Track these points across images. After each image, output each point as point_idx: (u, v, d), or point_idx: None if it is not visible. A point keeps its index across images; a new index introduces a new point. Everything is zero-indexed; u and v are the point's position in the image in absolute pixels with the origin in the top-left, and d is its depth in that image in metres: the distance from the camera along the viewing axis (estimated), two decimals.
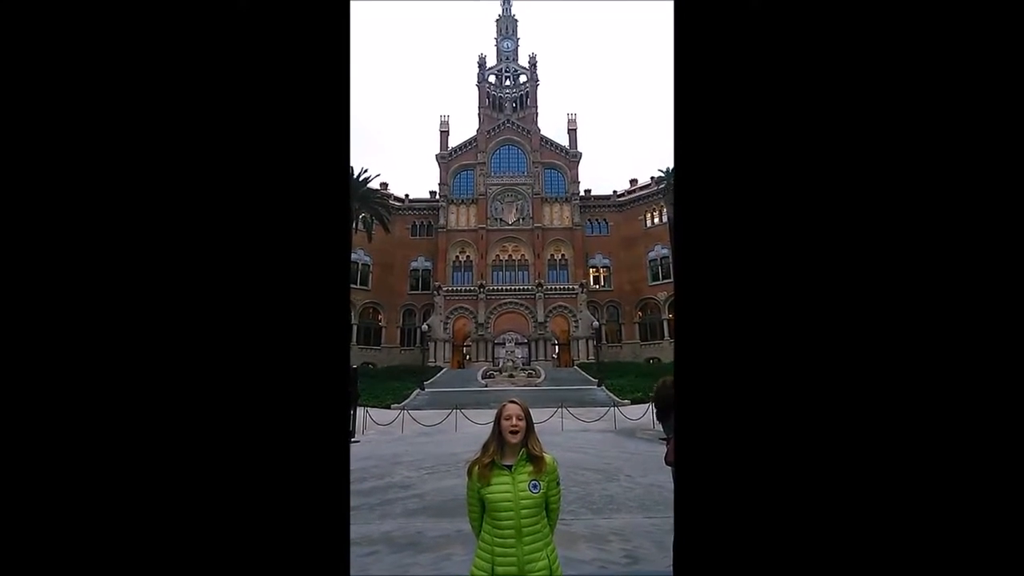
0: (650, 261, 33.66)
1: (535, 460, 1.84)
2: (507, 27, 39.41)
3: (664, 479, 6.08)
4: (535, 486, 1.82)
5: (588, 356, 30.44)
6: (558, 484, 1.93)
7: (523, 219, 34.15)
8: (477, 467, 1.86)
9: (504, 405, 1.90)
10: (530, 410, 1.94)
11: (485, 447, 1.88)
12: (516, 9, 40.38)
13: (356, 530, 4.66)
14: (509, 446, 1.85)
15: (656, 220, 33.99)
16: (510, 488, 1.80)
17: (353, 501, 5.90)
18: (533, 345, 31.35)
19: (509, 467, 1.83)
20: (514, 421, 1.84)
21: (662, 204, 32.77)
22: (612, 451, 9.77)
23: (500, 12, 39.92)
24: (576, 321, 31.82)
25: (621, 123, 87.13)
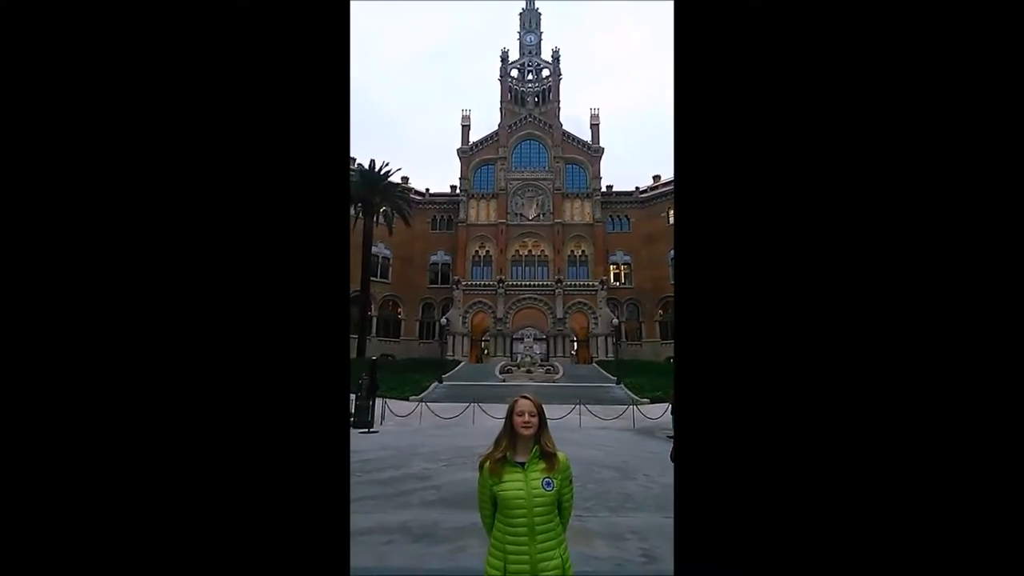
0: (672, 259, 33.13)
1: (548, 457, 1.80)
2: (530, 21, 39.14)
3: None
4: (548, 484, 1.78)
5: (607, 354, 30.20)
6: (571, 483, 1.89)
7: (543, 214, 34.02)
8: (488, 462, 1.82)
9: (516, 400, 1.86)
10: (547, 407, 1.89)
11: (497, 442, 1.84)
12: (540, 2, 39.95)
13: (374, 519, 4.71)
14: (522, 441, 1.81)
15: None
16: (523, 485, 1.76)
17: (371, 490, 5.97)
18: (551, 341, 31.26)
19: (522, 464, 1.80)
20: (526, 417, 1.79)
21: None
22: (630, 450, 9.68)
23: (523, 6, 39.66)
24: (595, 318, 31.59)
25: (645, 118, 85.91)
